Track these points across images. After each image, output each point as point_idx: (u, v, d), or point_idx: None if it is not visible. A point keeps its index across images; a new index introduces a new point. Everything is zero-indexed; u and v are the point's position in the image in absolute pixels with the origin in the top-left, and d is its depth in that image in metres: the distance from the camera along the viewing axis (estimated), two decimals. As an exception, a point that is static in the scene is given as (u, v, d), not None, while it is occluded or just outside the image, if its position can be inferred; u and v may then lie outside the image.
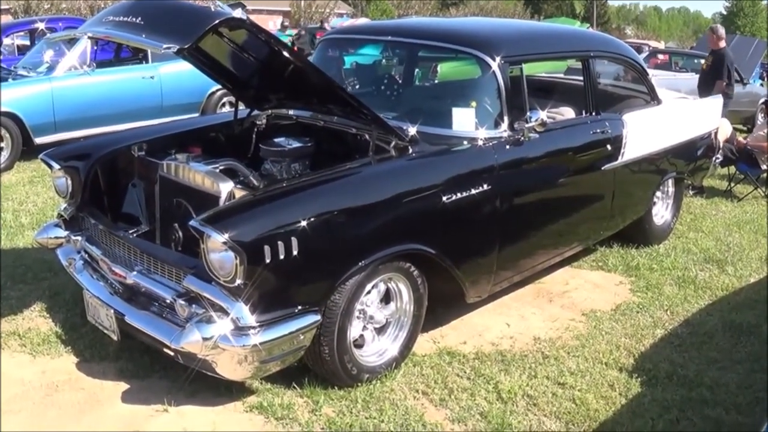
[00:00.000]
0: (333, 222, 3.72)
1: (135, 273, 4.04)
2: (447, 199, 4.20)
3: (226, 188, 4.03)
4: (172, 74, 10.43)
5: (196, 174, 4.19)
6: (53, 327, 4.65)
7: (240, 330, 3.49)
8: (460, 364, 4.38)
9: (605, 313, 5.23)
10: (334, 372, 3.92)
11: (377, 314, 4.14)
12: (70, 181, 4.65)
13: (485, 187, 4.40)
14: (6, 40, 13.43)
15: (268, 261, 3.45)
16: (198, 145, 4.79)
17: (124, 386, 4.02)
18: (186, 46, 3.60)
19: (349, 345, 3.92)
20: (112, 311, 4.00)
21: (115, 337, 4.07)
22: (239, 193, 4.01)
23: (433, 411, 3.92)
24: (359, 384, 4.02)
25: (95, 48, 10.29)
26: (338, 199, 3.82)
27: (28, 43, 13.57)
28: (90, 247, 4.47)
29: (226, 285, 3.49)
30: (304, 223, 3.56)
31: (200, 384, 3.88)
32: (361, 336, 4.11)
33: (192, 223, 3.52)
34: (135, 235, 4.38)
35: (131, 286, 4.09)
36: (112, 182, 4.80)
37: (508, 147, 4.60)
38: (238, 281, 3.43)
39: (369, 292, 4.02)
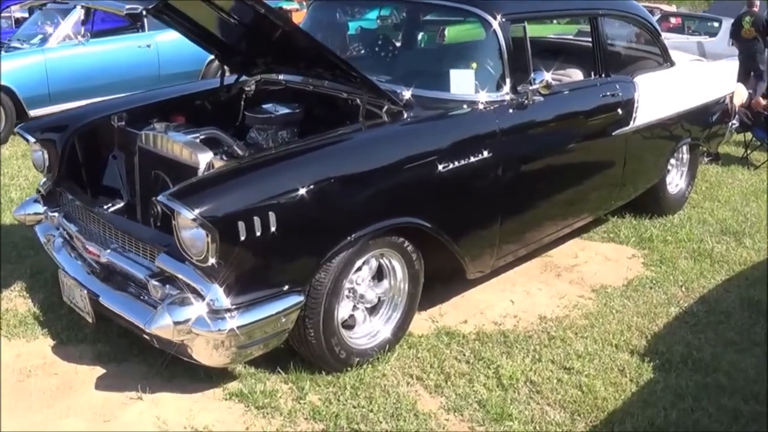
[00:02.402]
0: (316, 194, 3.41)
1: (109, 251, 3.80)
2: (444, 167, 3.92)
3: (204, 159, 3.74)
4: (170, 42, 10.11)
5: (175, 144, 3.92)
6: (31, 308, 4.45)
7: (215, 313, 3.24)
8: (459, 346, 4.12)
9: (616, 289, 4.96)
10: (321, 356, 3.67)
11: (368, 293, 3.88)
12: (46, 155, 4.40)
13: (486, 154, 4.13)
14: (4, 13, 13.23)
15: (243, 238, 3.18)
16: (182, 114, 4.52)
17: (99, 371, 3.82)
18: (151, 6, 3.31)
19: (336, 327, 3.67)
20: (85, 292, 3.77)
21: (90, 319, 3.84)
22: (219, 164, 3.73)
23: (428, 399, 3.67)
24: (349, 368, 3.78)
25: (92, 18, 10.07)
26: (323, 169, 3.52)
27: (27, 15, 13.35)
28: (67, 224, 4.23)
29: (199, 264, 3.23)
30: (283, 196, 3.29)
31: (178, 368, 3.66)
32: (352, 317, 3.86)
33: (160, 198, 3.24)
34: (111, 210, 4.13)
35: (107, 265, 3.85)
36: (91, 155, 4.54)
37: (510, 111, 4.33)
38: (212, 260, 3.17)
39: (359, 269, 3.77)
